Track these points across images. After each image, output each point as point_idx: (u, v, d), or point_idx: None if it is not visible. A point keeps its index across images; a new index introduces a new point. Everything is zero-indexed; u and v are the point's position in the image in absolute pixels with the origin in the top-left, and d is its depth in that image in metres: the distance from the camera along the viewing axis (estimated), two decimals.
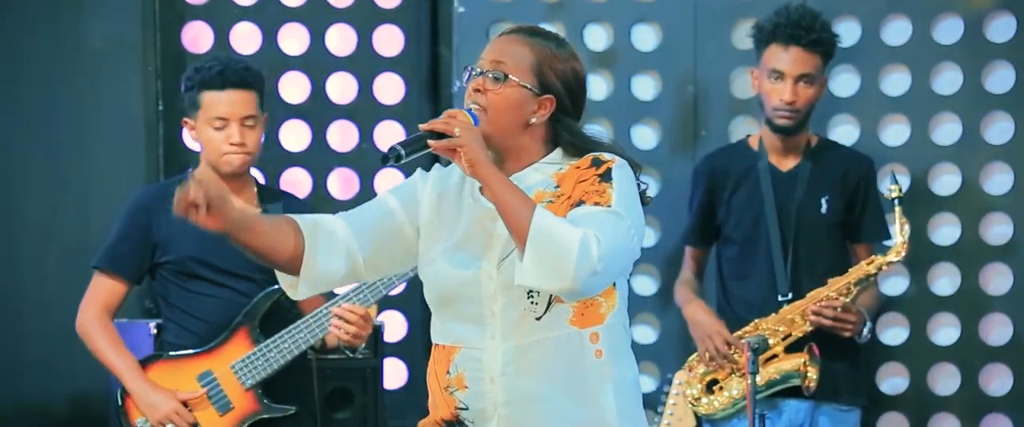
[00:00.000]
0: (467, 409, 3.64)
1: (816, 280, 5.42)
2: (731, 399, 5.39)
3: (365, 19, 6.69)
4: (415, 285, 5.27)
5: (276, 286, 5.10)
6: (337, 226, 3.68)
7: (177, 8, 6.61)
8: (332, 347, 5.19)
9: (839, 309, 5.36)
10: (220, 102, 5.05)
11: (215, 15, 6.64)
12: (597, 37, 6.56)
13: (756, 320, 5.42)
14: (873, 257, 5.42)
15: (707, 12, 6.37)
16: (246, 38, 6.65)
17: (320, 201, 6.46)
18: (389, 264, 3.72)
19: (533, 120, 3.64)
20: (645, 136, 6.55)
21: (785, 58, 5.39)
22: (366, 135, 6.70)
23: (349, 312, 5.08)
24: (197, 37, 6.64)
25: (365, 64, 6.71)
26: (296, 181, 6.59)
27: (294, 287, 3.68)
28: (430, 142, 3.52)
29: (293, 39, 6.69)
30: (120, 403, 5.12)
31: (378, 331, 5.89)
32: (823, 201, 5.48)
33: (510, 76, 3.61)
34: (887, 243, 5.62)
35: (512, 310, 3.58)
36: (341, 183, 6.72)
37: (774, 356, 5.37)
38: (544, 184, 3.64)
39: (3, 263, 6.45)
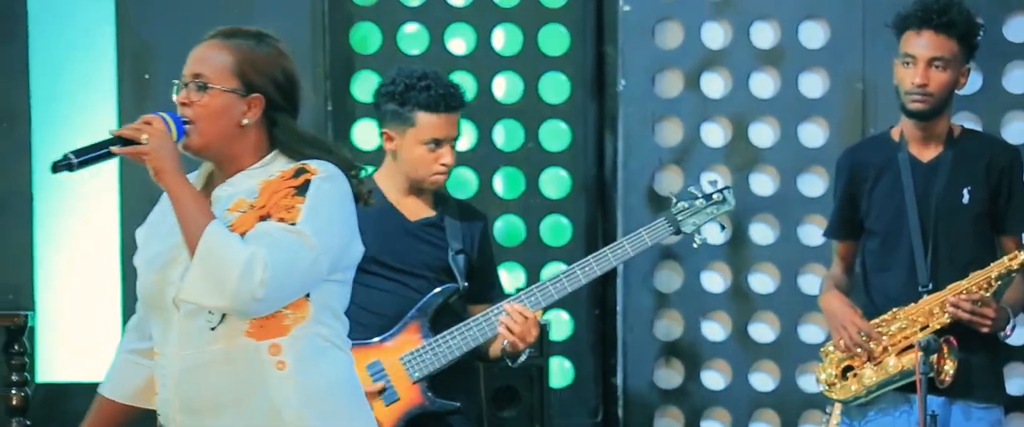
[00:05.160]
0: (160, 415, 3.68)
1: (958, 272, 5.34)
2: (863, 386, 5.36)
3: (531, 18, 6.69)
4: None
5: (449, 284, 5.16)
6: (128, 354, 3.81)
7: (345, 9, 6.67)
8: (494, 357, 5.23)
9: (979, 303, 5.27)
10: (440, 125, 5.12)
11: (383, 16, 6.68)
12: (764, 35, 6.51)
13: (895, 310, 5.37)
14: (1016, 253, 5.32)
15: (876, 8, 6.30)
16: (413, 39, 6.70)
17: (486, 201, 6.48)
18: None
19: (245, 122, 3.60)
20: (812, 134, 6.49)
21: (917, 42, 5.33)
22: (532, 135, 6.71)
23: (516, 312, 5.12)
24: (365, 38, 6.70)
25: (530, 63, 6.72)
26: (462, 181, 6.62)
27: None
28: (113, 148, 3.53)
29: (459, 39, 6.73)
30: None
31: (544, 330, 5.90)
32: (965, 191, 5.39)
33: (210, 85, 3.59)
34: None
35: (192, 319, 3.56)
36: (506, 183, 6.74)
37: (909, 347, 5.31)
38: (249, 192, 3.60)
39: None
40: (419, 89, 5.11)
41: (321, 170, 3.56)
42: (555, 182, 6.73)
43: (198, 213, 3.47)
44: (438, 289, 5.18)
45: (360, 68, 6.67)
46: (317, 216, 3.50)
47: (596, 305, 6.63)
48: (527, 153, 6.69)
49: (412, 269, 5.17)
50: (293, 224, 3.47)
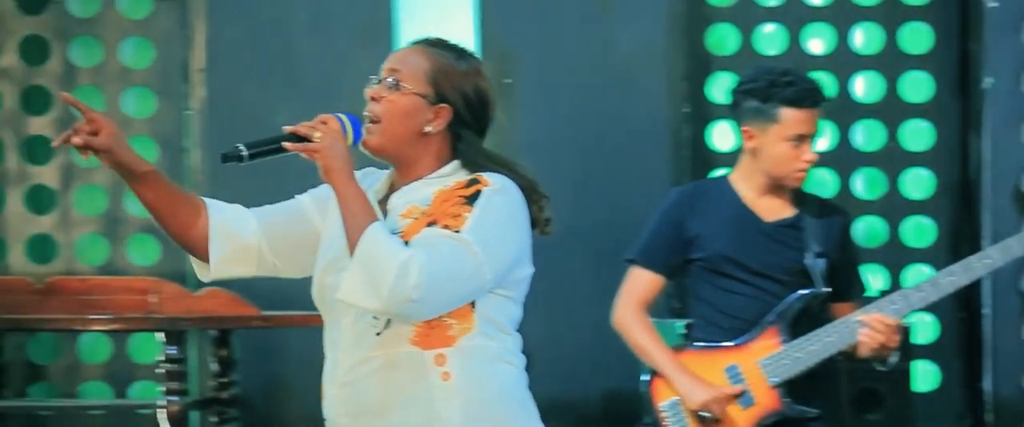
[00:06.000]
0: (326, 415, 3.63)
1: None
2: None
3: (892, 16, 6.63)
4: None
5: (810, 290, 5.12)
6: (243, 211, 3.70)
7: (702, 11, 6.69)
8: (862, 357, 5.16)
9: None
10: (804, 121, 5.10)
11: (739, 17, 6.69)
12: None
13: None
14: None
15: None
16: (770, 39, 6.68)
17: (845, 202, 6.42)
18: (292, 263, 3.71)
19: (428, 129, 3.56)
20: None
21: None
22: (893, 134, 6.62)
23: (877, 321, 5.05)
24: (722, 39, 6.70)
25: (892, 62, 6.62)
26: (821, 182, 6.57)
27: (205, 267, 3.68)
28: (285, 144, 3.52)
29: (818, 39, 6.68)
30: (647, 383, 5.25)
31: (907, 332, 5.82)
32: None
33: (402, 83, 3.55)
34: None
35: (359, 322, 3.52)
36: (867, 183, 6.66)
37: None
38: (424, 200, 3.53)
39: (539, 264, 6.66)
40: (782, 84, 5.08)
41: (495, 183, 3.53)
42: (917, 183, 6.64)
43: (361, 215, 3.48)
44: (799, 293, 5.15)
45: (716, 70, 6.69)
46: (483, 226, 3.47)
47: (962, 307, 6.51)
48: (888, 153, 6.63)
49: (768, 271, 5.15)
50: (457, 231, 3.46)
